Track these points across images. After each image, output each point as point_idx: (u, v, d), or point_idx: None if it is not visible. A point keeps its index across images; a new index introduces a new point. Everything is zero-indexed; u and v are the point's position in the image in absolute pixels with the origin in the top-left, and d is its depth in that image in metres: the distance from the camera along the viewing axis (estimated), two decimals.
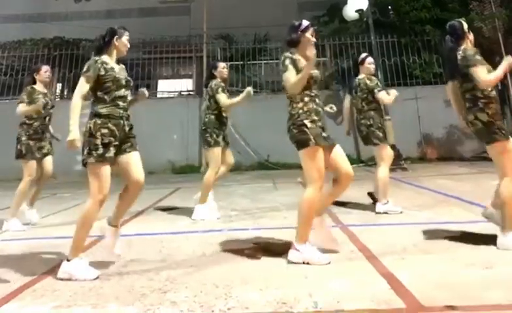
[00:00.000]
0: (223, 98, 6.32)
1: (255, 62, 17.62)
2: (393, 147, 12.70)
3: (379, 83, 6.57)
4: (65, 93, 18.79)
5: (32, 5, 25.00)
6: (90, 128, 4.26)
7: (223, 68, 6.65)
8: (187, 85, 19.35)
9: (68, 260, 3.88)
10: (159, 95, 19.03)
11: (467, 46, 4.69)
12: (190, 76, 19.62)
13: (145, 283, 3.57)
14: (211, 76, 6.61)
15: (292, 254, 4.01)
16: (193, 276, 3.69)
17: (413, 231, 4.97)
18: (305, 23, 4.49)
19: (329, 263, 3.85)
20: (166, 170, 15.54)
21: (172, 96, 18.24)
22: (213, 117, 6.47)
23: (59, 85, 18.47)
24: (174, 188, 10.30)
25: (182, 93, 18.26)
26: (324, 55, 17.72)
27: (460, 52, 4.59)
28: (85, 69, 4.22)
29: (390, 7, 17.68)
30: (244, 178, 12.09)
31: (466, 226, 5.06)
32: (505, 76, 15.24)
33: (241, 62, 17.33)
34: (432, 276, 3.40)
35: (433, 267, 3.63)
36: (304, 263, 3.88)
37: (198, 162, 15.14)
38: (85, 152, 4.22)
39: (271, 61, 17.92)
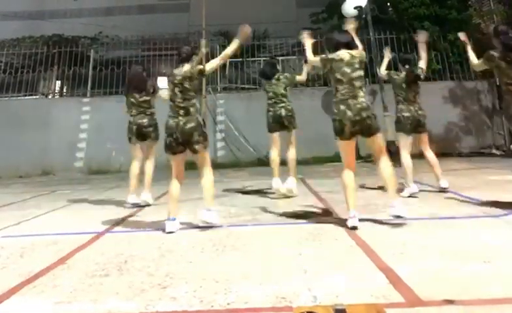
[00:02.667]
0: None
1: (254, 58, 17.61)
2: (392, 143, 12.75)
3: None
4: (64, 90, 18.78)
5: (31, 3, 25.02)
6: (204, 121, 5.37)
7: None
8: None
9: None
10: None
11: None
12: None
13: (145, 278, 3.58)
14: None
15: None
16: (193, 272, 3.70)
17: (411, 225, 4.98)
18: None
19: None
20: (166, 166, 15.49)
21: None
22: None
23: (58, 83, 18.45)
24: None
25: None
26: (323, 51, 17.69)
27: None
28: None
29: (388, 4, 17.69)
30: (243, 174, 12.10)
31: (464, 221, 5.08)
32: None
33: (240, 59, 17.31)
34: (431, 270, 3.42)
35: (431, 261, 3.64)
36: None
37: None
38: (202, 139, 5.43)
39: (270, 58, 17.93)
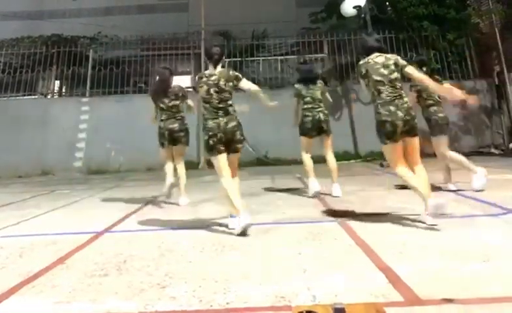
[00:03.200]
0: None
1: (253, 58, 17.61)
2: None
3: None
4: (63, 90, 18.77)
5: (30, 3, 25.00)
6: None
7: None
8: (185, 81, 19.31)
9: None
10: None
11: None
12: (188, 73, 19.55)
13: (145, 278, 3.58)
14: None
15: None
16: (192, 271, 3.70)
17: (410, 225, 4.99)
18: None
19: None
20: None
21: None
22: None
23: (57, 82, 18.43)
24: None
25: None
26: (322, 51, 17.71)
27: None
28: None
29: (387, 3, 17.70)
30: (243, 174, 12.09)
31: (464, 220, 5.09)
32: (501, 71, 15.31)
33: (240, 59, 17.31)
34: (430, 269, 3.42)
35: (431, 260, 3.64)
36: None
37: (197, 159, 15.14)
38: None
39: (269, 58, 17.91)
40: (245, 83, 5.80)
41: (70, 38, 18.65)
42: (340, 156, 13.40)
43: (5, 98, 16.60)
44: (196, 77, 5.63)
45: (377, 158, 13.30)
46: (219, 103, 5.47)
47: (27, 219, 6.62)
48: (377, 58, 5.27)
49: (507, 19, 16.11)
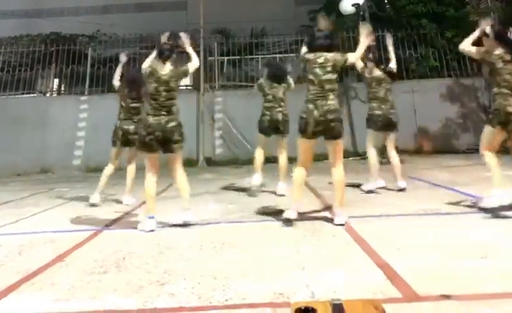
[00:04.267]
0: None
1: (252, 56, 17.58)
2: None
3: None
4: (62, 89, 18.75)
5: (28, 1, 24.94)
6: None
7: None
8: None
9: None
10: None
11: None
12: None
13: (144, 275, 3.59)
14: None
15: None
16: (191, 269, 3.71)
17: (408, 222, 5.01)
18: None
19: None
20: (165, 164, 15.55)
21: None
22: None
23: (55, 81, 18.41)
24: (172, 182, 10.33)
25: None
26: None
27: None
28: None
29: (386, 1, 17.69)
30: (241, 171, 12.09)
31: (461, 217, 5.11)
32: None
33: (239, 57, 17.29)
34: (428, 266, 3.44)
35: (428, 257, 3.66)
36: None
37: (196, 156, 15.14)
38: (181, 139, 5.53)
39: (268, 55, 17.87)
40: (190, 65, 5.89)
41: (68, 37, 18.62)
42: None
43: (4, 97, 16.58)
44: (147, 72, 5.61)
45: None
46: (165, 101, 5.46)
47: (26, 217, 6.62)
48: (318, 58, 5.27)
49: (506, 17, 16.11)
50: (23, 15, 23.12)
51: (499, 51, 5.31)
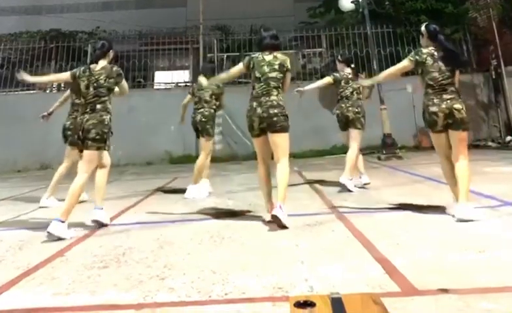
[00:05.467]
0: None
1: (251, 53, 17.60)
2: (388, 135, 12.82)
3: None
4: (62, 85, 18.75)
5: None
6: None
7: None
8: (183, 76, 19.30)
9: None
10: (155, 86, 19.01)
11: None
12: (186, 67, 19.58)
13: (143, 270, 3.60)
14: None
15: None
16: (191, 263, 3.73)
17: (407, 217, 5.02)
18: None
19: None
20: (164, 160, 15.61)
21: (168, 87, 18.18)
22: (212, 110, 7.84)
23: None
24: (172, 178, 10.37)
25: (179, 84, 18.21)
26: (320, 45, 17.72)
27: None
28: None
29: None
30: (241, 167, 12.14)
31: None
32: (499, 65, 15.33)
33: (238, 53, 17.30)
34: (426, 260, 3.45)
35: (427, 251, 3.67)
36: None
37: (195, 152, 15.16)
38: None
39: None
40: (122, 85, 5.94)
41: (68, 33, 18.68)
42: (339, 149, 13.44)
43: (4, 93, 16.62)
44: (80, 70, 5.69)
45: (374, 151, 13.34)
46: (92, 98, 5.50)
47: (26, 212, 6.65)
48: (267, 56, 5.47)
49: (504, 14, 16.13)
50: (22, 12, 23.12)
51: (428, 49, 5.36)
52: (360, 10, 15.48)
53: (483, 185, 6.61)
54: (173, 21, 19.15)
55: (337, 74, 7.66)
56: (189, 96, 8.10)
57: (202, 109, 7.70)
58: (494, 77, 15.87)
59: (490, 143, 14.96)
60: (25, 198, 8.26)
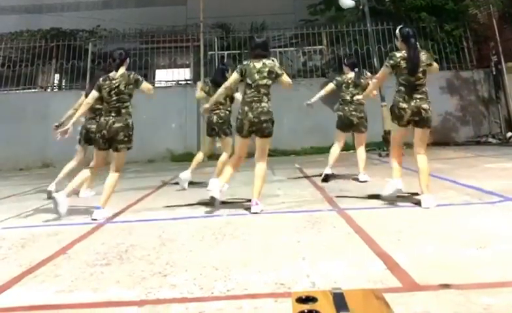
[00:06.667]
0: None
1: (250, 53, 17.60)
2: (389, 132, 12.79)
3: None
4: (63, 84, 18.77)
5: None
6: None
7: None
8: (184, 74, 19.28)
9: None
10: (156, 84, 18.97)
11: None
12: (187, 65, 19.53)
13: (146, 267, 3.62)
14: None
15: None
16: (193, 260, 3.74)
17: (408, 212, 5.04)
18: None
19: None
20: (165, 158, 15.61)
21: (169, 85, 18.15)
22: (227, 112, 7.89)
23: (56, 76, 18.44)
24: (173, 175, 10.37)
25: (180, 82, 18.19)
26: (321, 42, 17.70)
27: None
28: None
29: None
30: (243, 164, 12.14)
31: (461, 208, 5.14)
32: (499, 61, 15.33)
33: (238, 51, 17.27)
34: (428, 256, 3.47)
35: (428, 247, 3.69)
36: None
37: (197, 150, 15.16)
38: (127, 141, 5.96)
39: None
40: (143, 88, 6.08)
41: (69, 32, 18.64)
42: None
43: (5, 92, 16.61)
44: (100, 80, 5.99)
45: (375, 148, 13.33)
46: (116, 103, 5.83)
47: (28, 210, 6.65)
48: (257, 63, 5.76)
49: (505, 10, 16.12)
50: (23, 11, 23.11)
51: (402, 53, 5.67)
52: (361, 7, 15.45)
53: (484, 181, 6.62)
54: (173, 19, 19.09)
55: (339, 78, 8.01)
56: (203, 94, 8.16)
57: (217, 111, 7.74)
58: (494, 73, 15.86)
59: (490, 139, 14.96)
60: (27, 196, 8.27)
